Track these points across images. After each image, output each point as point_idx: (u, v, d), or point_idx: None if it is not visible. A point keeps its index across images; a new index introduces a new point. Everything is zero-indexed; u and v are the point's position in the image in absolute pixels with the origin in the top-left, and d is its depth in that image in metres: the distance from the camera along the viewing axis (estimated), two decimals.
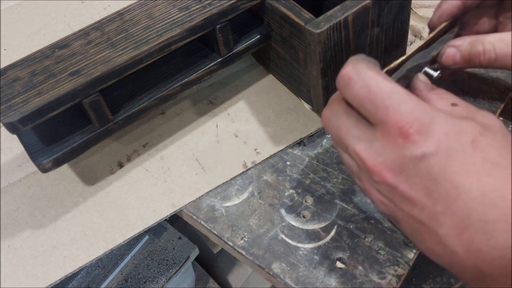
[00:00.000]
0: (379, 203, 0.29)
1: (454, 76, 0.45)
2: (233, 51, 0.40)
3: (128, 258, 0.73)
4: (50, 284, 0.35)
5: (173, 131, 0.43)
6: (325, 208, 0.37)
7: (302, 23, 0.35)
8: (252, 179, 0.40)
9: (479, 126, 0.27)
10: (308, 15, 0.36)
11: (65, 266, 0.36)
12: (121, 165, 0.41)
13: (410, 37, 0.49)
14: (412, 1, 0.51)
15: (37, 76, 0.35)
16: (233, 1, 0.37)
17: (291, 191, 0.38)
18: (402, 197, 0.27)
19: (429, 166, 0.26)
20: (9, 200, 0.40)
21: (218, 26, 0.38)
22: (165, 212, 0.38)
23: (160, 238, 0.76)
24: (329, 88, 0.38)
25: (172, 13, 0.38)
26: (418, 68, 0.34)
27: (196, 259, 0.83)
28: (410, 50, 0.35)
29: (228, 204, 0.38)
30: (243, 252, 0.35)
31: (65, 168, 0.41)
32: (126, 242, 0.37)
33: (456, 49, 0.36)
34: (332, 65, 0.36)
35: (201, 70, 0.40)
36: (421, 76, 0.33)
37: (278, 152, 0.41)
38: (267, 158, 0.41)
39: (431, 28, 0.39)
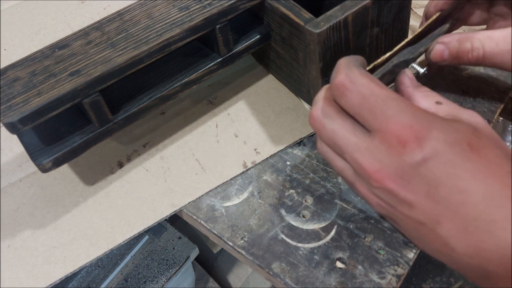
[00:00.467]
0: (377, 206, 0.30)
1: (439, 72, 0.45)
2: (233, 51, 0.40)
3: (128, 258, 0.73)
4: (50, 284, 0.35)
5: (173, 131, 0.43)
6: (325, 208, 0.37)
7: (302, 23, 0.35)
8: (252, 179, 0.40)
9: (471, 126, 0.27)
10: (307, 15, 0.36)
11: (65, 266, 0.36)
12: (121, 165, 0.41)
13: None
14: (412, 1, 0.51)
15: (37, 76, 0.35)
16: (233, 1, 0.37)
17: (291, 191, 0.38)
18: (402, 201, 0.27)
19: (430, 170, 0.26)
20: (9, 200, 0.40)
21: (218, 26, 0.38)
22: (165, 212, 0.38)
23: (160, 238, 0.76)
24: None
25: (172, 13, 0.38)
26: (405, 63, 0.34)
27: (196, 259, 0.83)
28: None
29: (228, 204, 0.38)
30: (243, 252, 0.35)
31: (65, 168, 0.41)
32: (126, 242, 0.37)
33: (445, 46, 0.36)
34: (332, 65, 0.36)
35: (201, 70, 0.40)
36: (408, 72, 0.33)
37: (278, 152, 0.41)
38: (267, 158, 0.41)
39: (427, 17, 0.39)
